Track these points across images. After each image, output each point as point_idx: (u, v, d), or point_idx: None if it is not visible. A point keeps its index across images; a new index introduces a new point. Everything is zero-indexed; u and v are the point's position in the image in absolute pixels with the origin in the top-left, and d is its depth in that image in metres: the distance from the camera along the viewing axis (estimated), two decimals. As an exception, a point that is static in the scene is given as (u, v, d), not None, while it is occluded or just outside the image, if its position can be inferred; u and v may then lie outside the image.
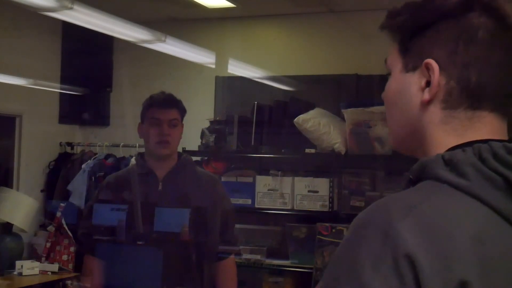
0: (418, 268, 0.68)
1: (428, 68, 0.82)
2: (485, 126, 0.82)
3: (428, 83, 0.83)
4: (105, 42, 4.62)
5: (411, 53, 0.85)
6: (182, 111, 2.48)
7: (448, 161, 0.77)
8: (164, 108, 2.43)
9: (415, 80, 0.84)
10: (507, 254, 0.73)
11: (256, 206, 4.05)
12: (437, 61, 0.82)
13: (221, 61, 4.38)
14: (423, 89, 0.83)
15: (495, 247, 0.72)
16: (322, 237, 3.71)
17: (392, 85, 0.89)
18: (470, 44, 0.81)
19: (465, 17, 0.82)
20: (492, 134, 0.82)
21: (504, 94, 0.83)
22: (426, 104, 0.83)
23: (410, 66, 0.85)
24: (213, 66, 4.47)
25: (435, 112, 0.83)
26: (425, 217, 0.72)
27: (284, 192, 4.01)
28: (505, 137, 0.83)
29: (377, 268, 0.70)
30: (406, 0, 0.88)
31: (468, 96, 0.81)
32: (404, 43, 0.87)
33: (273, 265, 3.95)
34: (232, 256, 2.55)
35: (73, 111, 4.88)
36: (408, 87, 0.85)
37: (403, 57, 0.87)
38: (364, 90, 4.12)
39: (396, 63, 0.88)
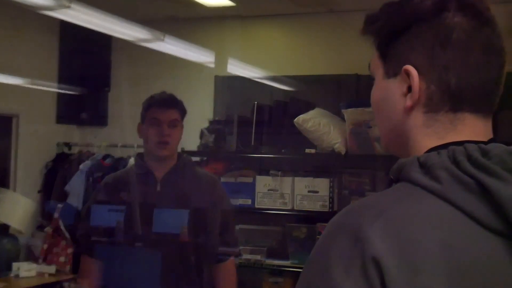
0: (384, 272, 0.68)
1: (407, 74, 0.82)
2: (467, 128, 0.81)
3: (409, 89, 0.82)
4: (103, 41, 4.60)
5: (390, 59, 0.85)
6: (183, 112, 2.46)
7: (423, 164, 0.77)
8: (164, 109, 2.41)
9: (396, 86, 0.84)
10: (478, 259, 0.72)
11: (256, 206, 4.05)
12: (415, 66, 0.81)
13: (221, 61, 4.36)
14: (405, 95, 0.83)
15: (465, 252, 0.71)
16: (322, 238, 3.69)
17: (375, 91, 0.89)
18: (446, 46, 0.80)
19: (439, 18, 0.81)
20: (473, 136, 0.81)
21: (485, 93, 0.82)
22: (408, 110, 0.83)
23: (391, 72, 0.85)
24: (213, 66, 4.45)
25: (418, 116, 0.83)
26: (394, 221, 0.72)
27: (284, 192, 4.00)
28: (489, 137, 0.82)
29: (348, 271, 0.70)
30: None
31: (449, 99, 0.81)
32: (382, 49, 0.86)
33: (273, 265, 3.95)
34: (232, 258, 2.52)
35: (70, 111, 4.86)
36: (391, 93, 0.85)
37: (383, 63, 0.86)
38: (364, 90, 4.10)
39: (378, 69, 0.87)
